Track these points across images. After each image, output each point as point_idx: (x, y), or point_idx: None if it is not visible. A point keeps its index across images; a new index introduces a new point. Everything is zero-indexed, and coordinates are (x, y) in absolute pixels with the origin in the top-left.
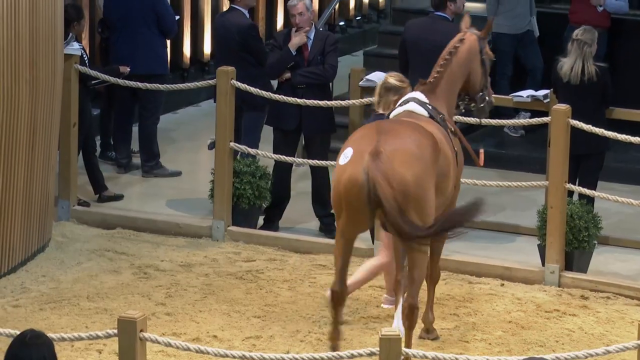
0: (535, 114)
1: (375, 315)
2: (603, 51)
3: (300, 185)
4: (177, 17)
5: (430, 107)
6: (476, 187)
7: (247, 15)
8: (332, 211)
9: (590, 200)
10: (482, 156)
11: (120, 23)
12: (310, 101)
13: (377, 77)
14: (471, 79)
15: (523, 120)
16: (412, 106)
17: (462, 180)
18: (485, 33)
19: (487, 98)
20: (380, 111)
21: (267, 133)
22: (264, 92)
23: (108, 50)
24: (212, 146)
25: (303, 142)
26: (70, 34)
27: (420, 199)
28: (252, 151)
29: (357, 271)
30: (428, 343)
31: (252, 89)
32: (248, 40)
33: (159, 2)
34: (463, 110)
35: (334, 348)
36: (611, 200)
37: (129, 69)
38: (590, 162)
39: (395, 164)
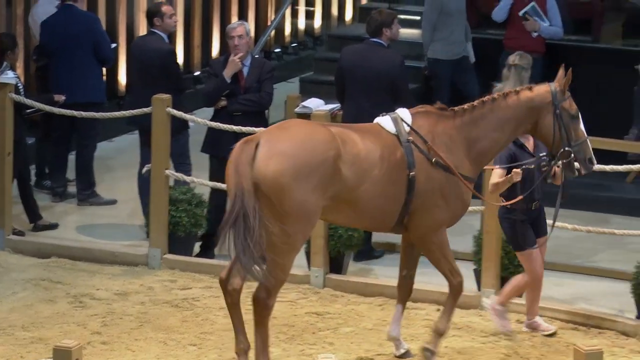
0: None
1: (312, 342)
2: (538, 77)
3: None
4: (113, 45)
5: (406, 125)
6: None
7: (167, 40)
8: None
9: None
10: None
11: (58, 51)
12: (246, 128)
13: (313, 103)
14: (541, 133)
15: None
16: (381, 118)
17: None
18: (564, 85)
19: (572, 155)
20: None
21: (204, 160)
22: (199, 119)
23: (44, 78)
24: (147, 174)
25: None
26: (5, 63)
27: (280, 196)
28: (187, 179)
29: (506, 284)
30: None
31: (188, 116)
32: (168, 66)
33: (97, 31)
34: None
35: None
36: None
37: (64, 98)
38: None
39: (259, 157)
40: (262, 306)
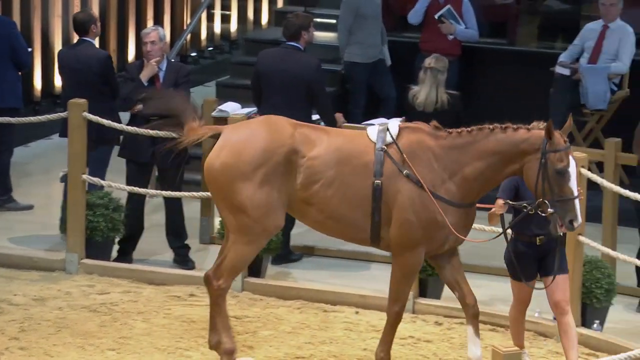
0: None
1: None
2: (454, 79)
3: (154, 217)
4: (29, 50)
5: (389, 135)
6: None
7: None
8: (186, 242)
9: None
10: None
11: None
12: (163, 132)
13: (230, 107)
14: (526, 178)
15: None
16: (371, 126)
17: None
18: (556, 137)
19: (549, 209)
20: None
21: (120, 165)
22: (116, 124)
23: None
24: (64, 179)
25: (156, 174)
26: None
27: (226, 189)
28: (104, 183)
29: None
30: None
31: (104, 121)
32: (107, 72)
33: (13, 35)
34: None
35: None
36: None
37: None
38: None
39: (213, 149)
40: (211, 287)
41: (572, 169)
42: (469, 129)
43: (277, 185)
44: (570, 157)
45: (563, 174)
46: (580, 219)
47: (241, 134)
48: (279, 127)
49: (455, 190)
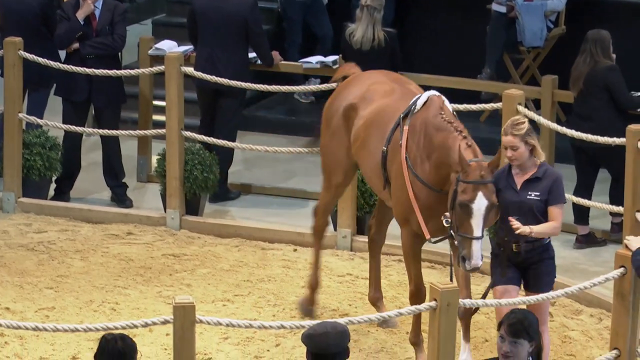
0: (324, 80)
1: (169, 283)
2: (391, 17)
3: (91, 156)
4: None
5: (418, 107)
6: (267, 154)
7: None
8: (123, 181)
9: None
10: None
11: None
12: (99, 71)
13: (166, 45)
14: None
15: (313, 87)
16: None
17: (254, 146)
18: (462, 165)
19: (463, 252)
20: None
21: (57, 104)
22: (52, 63)
23: None
24: (0, 117)
25: (93, 112)
26: None
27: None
28: (41, 122)
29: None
30: (214, 310)
31: (41, 60)
32: (48, 12)
33: None
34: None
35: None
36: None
37: None
38: None
39: None
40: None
41: (477, 207)
42: (454, 119)
43: (341, 140)
44: (480, 195)
45: (464, 208)
46: (475, 260)
47: (341, 85)
48: (361, 82)
49: (430, 170)
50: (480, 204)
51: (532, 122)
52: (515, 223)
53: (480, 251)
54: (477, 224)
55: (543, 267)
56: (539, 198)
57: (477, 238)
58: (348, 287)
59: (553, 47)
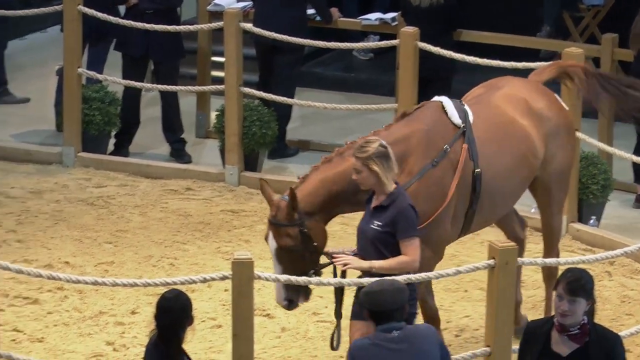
0: (383, 37)
1: (228, 239)
2: None
3: (150, 111)
4: None
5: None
6: (325, 111)
7: None
8: (182, 136)
9: None
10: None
11: None
12: (158, 26)
13: (225, 1)
14: None
15: (372, 44)
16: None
17: (312, 103)
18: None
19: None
20: None
21: (116, 58)
22: (111, 18)
23: None
24: (59, 72)
25: (152, 68)
26: None
27: None
28: (100, 77)
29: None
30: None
31: (100, 14)
32: None
33: None
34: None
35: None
36: None
37: None
38: (438, 85)
39: None
40: None
41: (270, 248)
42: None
43: None
44: (270, 236)
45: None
46: (277, 300)
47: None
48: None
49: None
50: (270, 245)
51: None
52: (339, 258)
53: (281, 291)
54: (274, 264)
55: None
56: (380, 229)
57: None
58: None
59: (613, 5)
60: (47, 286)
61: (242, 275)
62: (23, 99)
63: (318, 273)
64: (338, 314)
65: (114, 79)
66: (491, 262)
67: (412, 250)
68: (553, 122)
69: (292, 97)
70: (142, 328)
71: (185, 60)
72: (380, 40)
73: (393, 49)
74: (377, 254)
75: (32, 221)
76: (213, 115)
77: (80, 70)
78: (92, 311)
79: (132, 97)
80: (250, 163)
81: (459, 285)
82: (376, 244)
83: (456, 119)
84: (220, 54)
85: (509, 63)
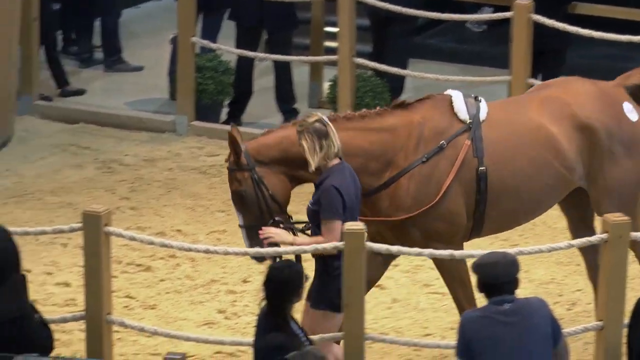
0: (497, 9)
1: None
2: None
3: (263, 81)
4: None
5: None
6: (438, 82)
7: None
8: (295, 106)
9: None
10: None
11: None
12: None
13: None
14: None
15: (485, 15)
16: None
17: (425, 74)
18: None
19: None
20: None
21: (230, 28)
22: None
23: None
24: (173, 41)
25: (266, 37)
26: None
27: None
28: (214, 46)
29: None
30: None
31: None
32: None
33: None
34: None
35: None
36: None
37: None
38: (551, 58)
39: None
40: None
41: None
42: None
43: None
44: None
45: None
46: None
47: None
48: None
49: None
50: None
51: None
52: (264, 231)
53: (246, 239)
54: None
55: (316, 283)
56: (311, 206)
57: (240, 226)
58: None
59: None
60: (159, 254)
61: (354, 246)
62: (137, 67)
63: (289, 228)
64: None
65: (227, 49)
66: (604, 236)
67: (327, 232)
68: (602, 134)
69: (405, 68)
70: (253, 297)
71: (299, 30)
72: (494, 12)
73: (507, 21)
74: (314, 230)
75: (145, 189)
76: (326, 85)
77: (194, 39)
78: (204, 279)
79: (245, 67)
80: None
81: (571, 259)
82: (311, 221)
83: (463, 114)
84: (334, 24)
85: (625, 37)
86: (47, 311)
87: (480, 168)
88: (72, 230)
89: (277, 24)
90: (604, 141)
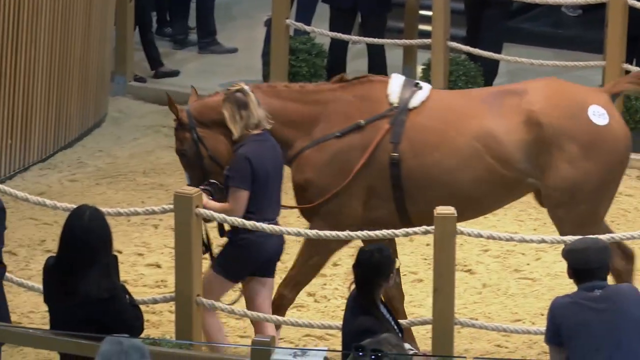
0: None
1: None
2: None
3: (356, 64)
4: None
5: None
6: (532, 67)
7: None
8: None
9: None
10: None
11: None
12: None
13: None
14: None
15: (581, 0)
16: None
17: (519, 59)
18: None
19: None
20: None
21: (323, 10)
22: None
23: None
24: (268, 23)
25: (360, 20)
26: None
27: None
28: (308, 28)
29: None
30: (475, 221)
31: None
32: None
33: None
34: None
35: None
36: None
37: None
38: None
39: None
40: None
41: None
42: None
43: None
44: None
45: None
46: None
47: None
48: None
49: None
50: None
51: None
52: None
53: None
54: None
55: (223, 248)
56: (225, 172)
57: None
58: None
59: None
60: None
61: (445, 230)
62: (231, 49)
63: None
64: (206, 246)
65: (321, 31)
66: None
67: (232, 200)
68: (550, 131)
69: (499, 52)
70: (343, 280)
71: (393, 13)
72: None
73: (602, 5)
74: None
75: None
76: (419, 69)
77: (288, 21)
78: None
79: (339, 50)
80: None
81: None
82: (224, 187)
83: (393, 97)
84: (428, 8)
85: None
86: (137, 292)
87: (393, 154)
88: (164, 211)
89: (372, 7)
90: (553, 138)
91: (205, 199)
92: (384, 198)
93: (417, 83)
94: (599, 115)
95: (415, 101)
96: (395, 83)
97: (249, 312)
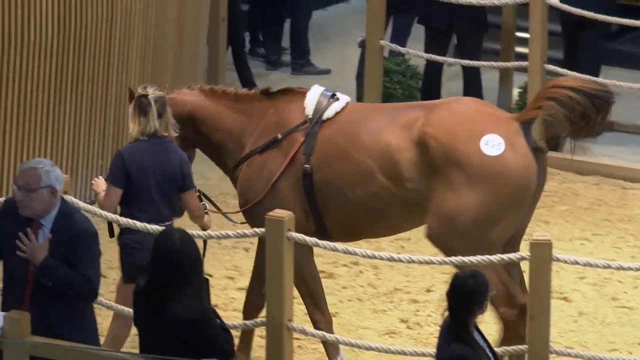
0: None
1: None
2: None
3: (451, 86)
4: None
5: None
6: (631, 91)
7: None
8: None
9: None
10: None
11: None
12: (462, 0)
13: None
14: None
15: None
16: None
17: (618, 82)
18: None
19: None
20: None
21: (418, 32)
22: None
23: None
24: (362, 44)
25: (455, 42)
26: None
27: None
28: (403, 50)
29: None
30: (571, 248)
31: None
32: None
33: None
34: None
35: None
36: None
37: None
38: None
39: None
40: None
41: None
42: None
43: None
44: None
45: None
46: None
47: None
48: None
49: None
50: None
51: None
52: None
53: None
54: None
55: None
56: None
57: None
58: None
59: None
60: (342, 260)
61: (540, 257)
62: (324, 70)
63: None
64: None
65: (416, 53)
66: None
67: (105, 194)
68: (436, 154)
69: (597, 75)
70: (436, 307)
71: (489, 35)
72: None
73: None
74: None
75: None
76: (515, 92)
77: (382, 42)
78: (387, 287)
79: (433, 71)
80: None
81: None
82: None
83: (308, 110)
84: (525, 30)
85: None
86: (228, 317)
87: (305, 166)
88: (255, 235)
89: (467, 29)
90: (437, 162)
91: (104, 186)
92: (305, 209)
93: (334, 94)
94: (492, 145)
95: (329, 113)
96: (312, 95)
97: (340, 338)
